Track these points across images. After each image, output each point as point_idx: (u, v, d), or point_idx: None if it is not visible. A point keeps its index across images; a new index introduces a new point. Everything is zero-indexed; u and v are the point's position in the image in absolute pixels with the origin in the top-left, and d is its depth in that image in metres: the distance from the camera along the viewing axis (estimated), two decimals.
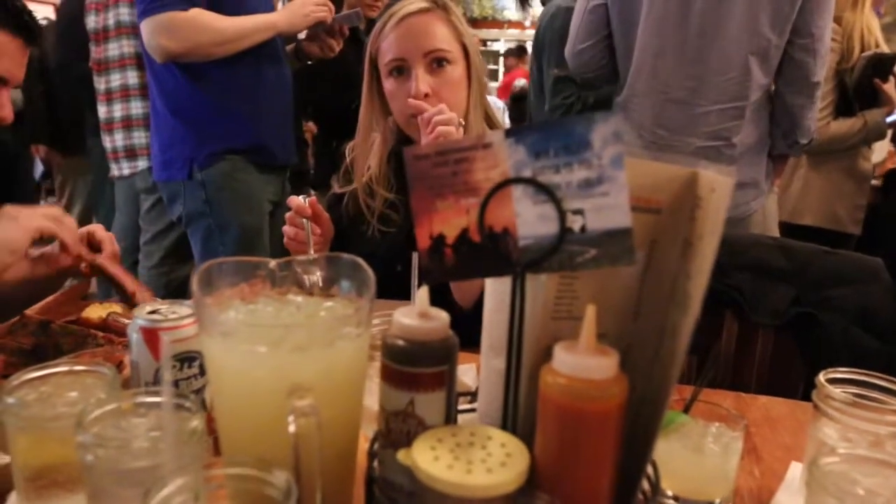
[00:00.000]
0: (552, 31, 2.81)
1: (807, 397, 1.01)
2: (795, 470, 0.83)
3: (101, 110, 2.48)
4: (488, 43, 10.87)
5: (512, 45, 9.62)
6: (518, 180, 0.54)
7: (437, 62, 1.32)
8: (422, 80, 1.30)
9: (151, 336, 0.73)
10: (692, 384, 0.80)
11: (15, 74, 1.25)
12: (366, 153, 1.43)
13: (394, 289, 0.90)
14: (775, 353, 1.35)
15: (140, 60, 2.34)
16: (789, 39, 1.71)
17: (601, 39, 1.90)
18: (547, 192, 0.53)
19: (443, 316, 0.59)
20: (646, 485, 0.59)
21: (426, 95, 1.30)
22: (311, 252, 1.18)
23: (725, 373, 1.35)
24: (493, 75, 10.03)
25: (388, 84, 1.36)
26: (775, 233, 1.94)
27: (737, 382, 1.31)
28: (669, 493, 0.75)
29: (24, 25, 1.21)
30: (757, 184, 1.83)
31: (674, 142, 1.78)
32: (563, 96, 2.67)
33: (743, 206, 1.81)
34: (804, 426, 0.93)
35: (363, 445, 0.64)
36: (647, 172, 0.56)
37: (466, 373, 0.99)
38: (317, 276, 0.66)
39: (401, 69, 1.33)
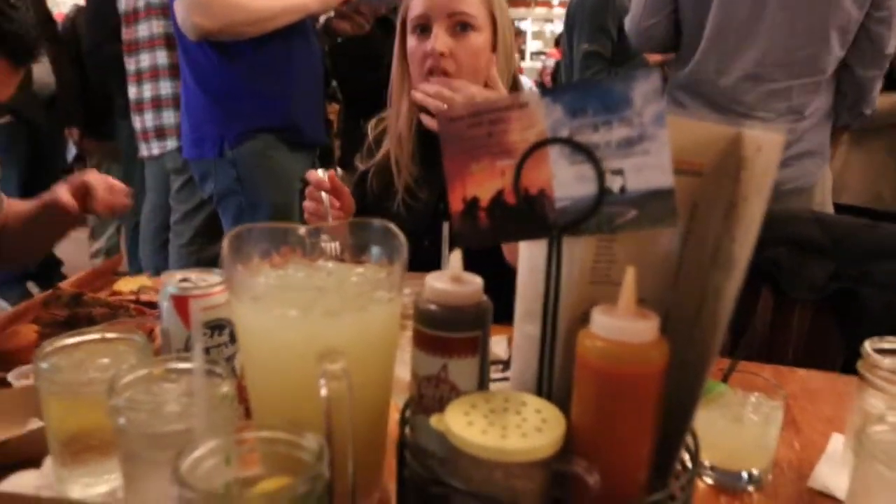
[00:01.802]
0: (583, 8, 2.77)
1: (845, 373, 0.99)
2: (837, 441, 0.80)
3: (132, 91, 2.50)
4: (515, 22, 10.75)
5: (539, 23, 9.52)
6: (555, 140, 0.52)
7: (462, 26, 1.29)
8: (440, 39, 1.27)
9: (182, 304, 0.73)
10: (729, 357, 0.79)
11: None
12: (396, 119, 1.41)
13: (423, 264, 0.89)
14: (812, 329, 1.32)
15: (170, 41, 2.34)
16: (866, 12, 1.67)
17: (668, 15, 1.87)
18: (585, 151, 0.51)
19: (476, 280, 0.57)
20: (685, 454, 0.58)
21: (441, 55, 1.28)
22: (330, 221, 1.17)
23: (762, 348, 1.32)
24: (521, 55, 9.93)
25: (411, 41, 1.34)
26: (830, 204, 1.90)
27: (773, 357, 1.28)
28: (707, 463, 0.73)
29: (10, 49, 1.17)
30: (823, 152, 1.81)
31: (748, 119, 1.74)
32: (593, 71, 2.63)
33: (809, 176, 1.78)
34: (844, 399, 0.90)
35: (394, 415, 0.63)
36: (688, 133, 0.54)
37: (497, 343, 0.97)
38: (336, 245, 0.65)
39: (424, 27, 1.31)
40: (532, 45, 9.67)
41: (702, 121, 0.54)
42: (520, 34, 8.50)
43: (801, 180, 1.76)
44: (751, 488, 0.74)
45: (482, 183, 0.56)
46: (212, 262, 2.60)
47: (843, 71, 1.77)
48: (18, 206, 1.32)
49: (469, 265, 0.58)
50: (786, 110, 1.73)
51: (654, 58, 2.75)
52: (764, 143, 0.51)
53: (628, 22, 1.97)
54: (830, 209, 1.88)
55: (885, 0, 1.67)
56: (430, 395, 0.57)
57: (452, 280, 0.56)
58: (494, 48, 1.34)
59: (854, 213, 2.43)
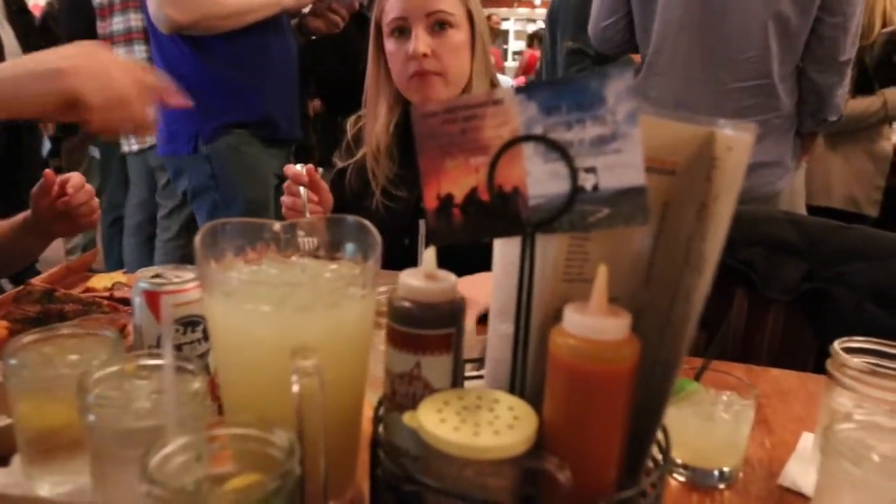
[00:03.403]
0: (567, 5, 2.78)
1: (817, 372, 1.00)
2: (807, 440, 0.82)
3: None
4: (501, 23, 10.76)
5: (522, 23, 9.55)
6: (529, 137, 0.52)
7: (440, 24, 1.30)
8: (421, 40, 1.28)
9: (154, 299, 0.73)
10: (702, 356, 0.79)
11: None
12: (374, 121, 1.41)
13: (403, 262, 0.89)
14: (786, 329, 1.34)
15: (147, 35, 2.32)
16: (819, 17, 1.68)
17: (623, 16, 1.90)
18: (559, 149, 0.51)
19: (450, 278, 0.57)
20: (656, 452, 0.58)
21: (424, 56, 1.28)
22: (307, 217, 1.17)
23: (735, 348, 1.34)
24: (503, 54, 9.94)
25: (389, 44, 1.34)
26: (803, 210, 1.92)
27: (747, 357, 1.29)
28: (679, 460, 0.74)
29: None
30: (783, 163, 1.81)
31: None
32: (578, 68, 2.64)
33: (769, 186, 1.79)
34: (815, 398, 0.92)
35: (368, 413, 0.63)
36: (661, 132, 0.54)
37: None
38: (313, 241, 0.65)
39: (402, 29, 1.31)
40: (514, 45, 9.69)
41: (675, 120, 0.54)
42: (500, 34, 8.52)
43: (762, 190, 1.77)
44: (722, 486, 0.74)
45: (456, 180, 0.56)
46: None
47: (803, 78, 1.78)
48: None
49: (450, 264, 0.58)
50: (736, 114, 1.73)
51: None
52: (735, 142, 0.52)
53: (590, 22, 2.00)
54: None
55: (839, 5, 1.66)
56: (404, 393, 0.57)
57: (426, 277, 0.56)
58: (473, 45, 1.34)
59: (829, 215, 2.46)
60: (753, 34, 1.69)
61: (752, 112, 1.74)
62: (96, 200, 1.34)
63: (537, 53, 7.34)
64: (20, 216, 1.32)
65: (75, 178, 1.30)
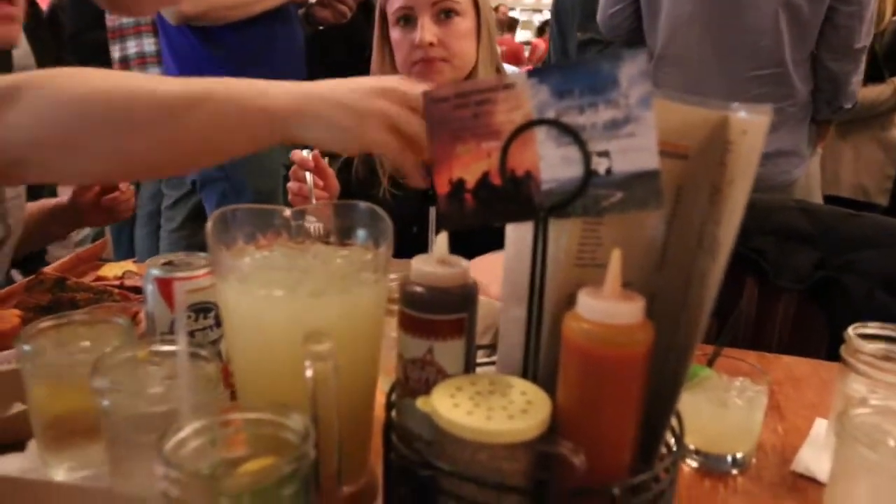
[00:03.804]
0: None
1: (829, 360, 1.00)
2: (820, 426, 0.81)
3: None
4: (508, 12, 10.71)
5: (528, 13, 9.51)
6: (541, 122, 0.52)
7: (445, 12, 1.29)
8: (427, 29, 1.27)
9: (166, 286, 0.73)
10: (714, 343, 0.79)
11: None
12: None
13: (411, 251, 0.89)
14: (797, 317, 1.33)
15: (156, 27, 2.32)
16: (833, 6, 1.67)
17: (629, 4, 1.90)
18: (571, 133, 0.51)
19: (462, 263, 0.57)
20: (670, 437, 0.58)
21: (431, 45, 1.27)
22: (313, 202, 1.17)
23: (746, 336, 1.33)
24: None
25: (395, 34, 1.33)
26: (819, 198, 1.91)
27: (758, 345, 1.29)
28: (692, 446, 0.74)
29: None
30: (799, 152, 1.81)
31: None
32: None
33: (785, 175, 1.79)
34: (828, 385, 0.91)
35: (380, 399, 0.63)
36: (674, 116, 0.54)
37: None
38: (323, 227, 0.65)
39: (408, 18, 1.30)
40: (520, 35, 9.64)
41: (688, 104, 0.54)
42: (507, 24, 8.48)
43: (777, 178, 1.77)
44: (735, 471, 0.74)
45: (468, 165, 0.56)
46: (202, 248, 2.59)
47: (818, 66, 1.77)
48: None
49: (461, 249, 0.58)
50: (750, 102, 1.72)
51: None
52: (749, 125, 0.51)
53: (598, 10, 2.01)
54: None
55: None
56: (416, 378, 0.57)
57: (438, 262, 0.56)
58: (479, 33, 1.34)
59: (838, 204, 2.45)
60: (765, 23, 1.68)
61: (766, 100, 1.72)
62: (133, 197, 1.45)
63: (542, 44, 7.31)
64: (51, 202, 1.38)
65: None
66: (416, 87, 0.68)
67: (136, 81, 0.73)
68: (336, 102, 0.69)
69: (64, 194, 1.44)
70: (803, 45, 1.72)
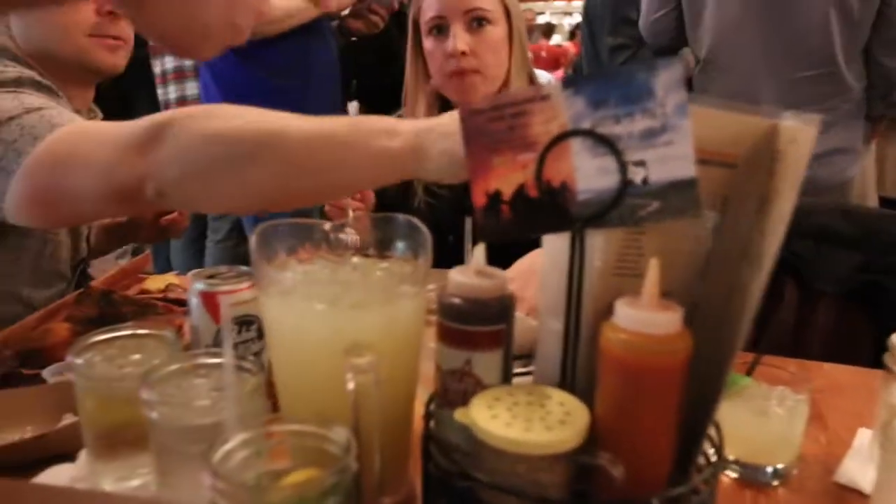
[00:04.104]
0: (602, 1, 2.75)
1: (874, 367, 0.98)
2: (864, 436, 0.80)
3: (159, 92, 2.55)
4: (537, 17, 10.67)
5: (558, 17, 9.47)
6: (577, 132, 0.53)
7: (478, 21, 1.30)
8: (460, 38, 1.28)
9: (210, 300, 0.75)
10: (752, 351, 0.78)
11: None
12: (413, 119, 1.42)
13: (447, 260, 0.90)
14: (839, 322, 1.31)
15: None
16: (885, 1, 1.64)
17: (673, 9, 1.89)
18: (607, 143, 0.51)
19: (500, 274, 0.58)
20: (709, 448, 0.58)
21: (463, 54, 1.28)
22: (350, 216, 1.18)
23: (786, 342, 1.31)
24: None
25: (428, 43, 1.34)
26: (874, 197, 1.88)
27: (798, 352, 1.27)
28: (731, 456, 0.73)
29: None
30: (854, 150, 1.78)
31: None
32: (622, 61, 2.61)
33: (841, 174, 1.76)
34: (873, 393, 0.89)
35: (419, 410, 0.64)
36: (722, 124, 0.53)
37: None
38: (363, 240, 0.66)
39: (440, 27, 1.32)
40: (554, 40, 9.60)
41: (736, 111, 0.53)
42: (537, 29, 8.45)
43: (832, 178, 1.74)
44: (776, 483, 0.73)
45: (504, 176, 0.56)
46: (246, 258, 2.62)
47: (870, 62, 1.74)
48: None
49: (498, 260, 0.58)
50: (804, 103, 1.70)
51: None
52: (799, 134, 0.51)
53: (641, 16, 2.00)
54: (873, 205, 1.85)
55: None
56: (455, 389, 0.57)
57: (476, 274, 0.57)
58: (511, 40, 1.35)
59: (883, 205, 2.38)
60: (815, 22, 1.65)
61: (818, 100, 1.71)
62: (188, 218, 1.51)
63: (573, 48, 7.28)
64: (106, 220, 1.43)
65: None
66: None
67: (276, 119, 0.79)
68: (449, 132, 0.72)
69: None
70: (855, 42, 1.69)
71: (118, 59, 1.24)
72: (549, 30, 9.01)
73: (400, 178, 0.77)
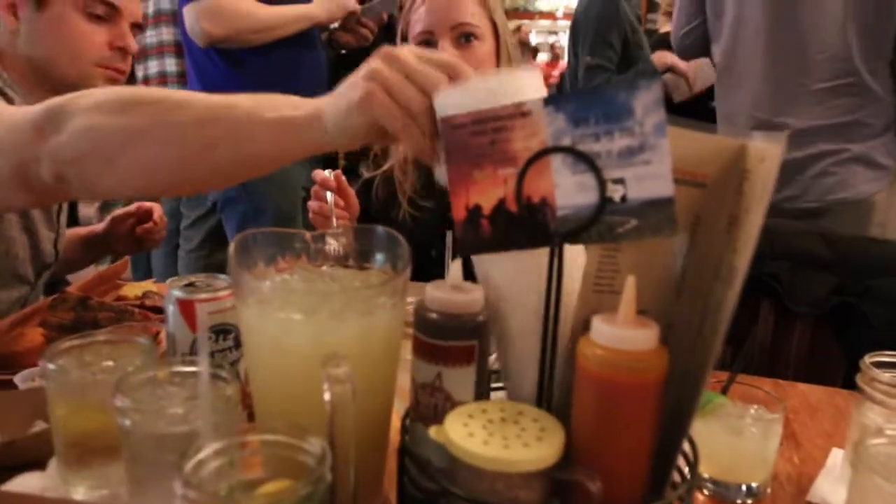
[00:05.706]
0: (587, 20, 2.79)
1: (846, 388, 0.99)
2: (836, 456, 0.80)
3: None
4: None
5: (544, 35, 9.57)
6: (557, 149, 0.53)
7: (465, 37, 1.31)
8: (447, 53, 1.29)
9: (188, 308, 0.74)
10: (728, 370, 0.79)
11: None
12: None
13: (429, 275, 0.90)
14: (813, 344, 1.32)
15: (178, 48, 2.37)
16: None
17: (702, 22, 1.89)
18: (587, 160, 0.52)
19: (476, 290, 0.58)
20: (683, 465, 0.58)
21: None
22: (335, 224, 1.18)
23: (761, 362, 1.32)
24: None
25: None
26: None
27: (773, 372, 1.28)
28: (706, 475, 0.74)
29: None
30: (876, 162, 1.69)
31: (779, 123, 1.70)
32: (596, 84, 2.65)
33: (859, 186, 1.67)
34: (845, 414, 0.91)
35: (395, 423, 0.63)
36: (693, 144, 0.54)
37: None
38: (342, 250, 0.66)
39: (428, 42, 1.32)
40: (541, 58, 9.69)
41: (705, 132, 0.54)
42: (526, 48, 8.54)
43: (851, 191, 1.66)
44: (749, 501, 0.74)
45: (485, 191, 0.57)
46: (220, 268, 2.60)
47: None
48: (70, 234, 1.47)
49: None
50: (818, 115, 1.67)
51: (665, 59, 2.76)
52: (767, 153, 0.52)
53: (672, 30, 2.01)
54: None
55: None
56: (426, 403, 0.57)
57: (452, 288, 0.57)
58: (498, 56, 1.36)
59: None
60: (830, 35, 1.62)
61: (839, 112, 1.66)
62: (165, 228, 1.53)
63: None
64: (84, 229, 1.47)
65: (158, 208, 1.49)
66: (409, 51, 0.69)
67: (176, 94, 0.77)
68: (343, 89, 0.71)
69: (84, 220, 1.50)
70: (877, 55, 1.64)
71: (119, 85, 1.26)
72: (534, 52, 9.12)
73: (305, 151, 0.74)
